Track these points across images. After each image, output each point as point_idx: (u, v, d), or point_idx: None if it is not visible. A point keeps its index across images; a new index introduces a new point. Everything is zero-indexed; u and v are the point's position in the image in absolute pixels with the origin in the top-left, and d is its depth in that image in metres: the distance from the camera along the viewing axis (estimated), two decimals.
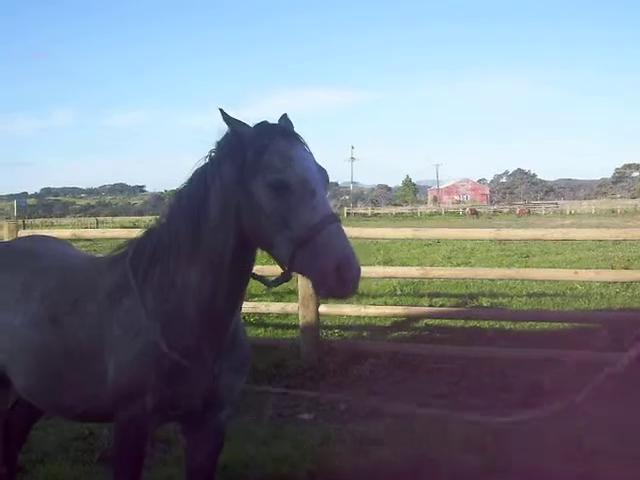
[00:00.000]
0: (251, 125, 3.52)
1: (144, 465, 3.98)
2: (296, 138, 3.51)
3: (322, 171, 3.48)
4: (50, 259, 4.57)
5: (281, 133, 3.48)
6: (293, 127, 3.63)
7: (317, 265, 3.19)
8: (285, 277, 3.50)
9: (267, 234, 3.38)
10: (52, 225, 68.57)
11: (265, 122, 3.55)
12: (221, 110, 3.50)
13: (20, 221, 44.09)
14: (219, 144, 3.62)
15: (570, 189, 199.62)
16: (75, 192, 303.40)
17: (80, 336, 3.96)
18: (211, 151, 3.65)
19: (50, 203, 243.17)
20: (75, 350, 3.98)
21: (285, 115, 3.72)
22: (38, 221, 79.82)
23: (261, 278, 3.85)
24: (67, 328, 4.04)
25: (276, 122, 3.63)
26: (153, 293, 3.75)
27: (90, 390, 3.97)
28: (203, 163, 3.68)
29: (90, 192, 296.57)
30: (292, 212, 3.27)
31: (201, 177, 3.66)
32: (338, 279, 3.13)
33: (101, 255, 4.47)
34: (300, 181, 3.29)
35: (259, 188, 3.35)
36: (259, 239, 3.47)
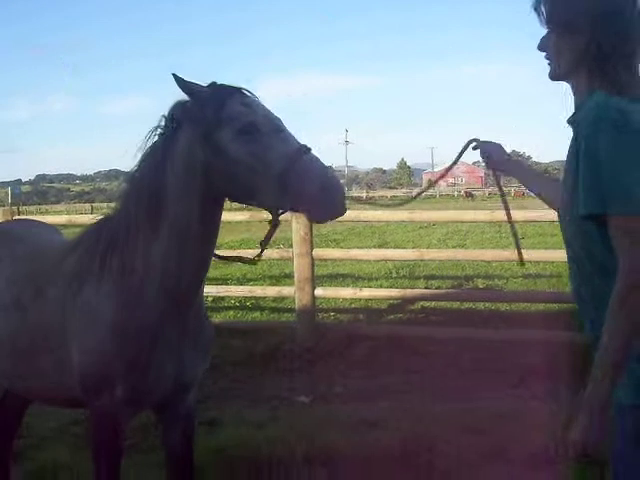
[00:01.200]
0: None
1: (123, 454, 3.96)
2: (247, 90, 3.53)
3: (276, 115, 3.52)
4: (26, 243, 4.55)
5: (233, 88, 3.50)
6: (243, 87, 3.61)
7: (304, 191, 3.21)
8: (271, 231, 3.57)
9: (246, 182, 3.37)
10: (47, 212, 68.59)
11: (214, 82, 3.54)
12: (174, 75, 3.45)
13: (15, 208, 43.95)
14: (168, 115, 3.57)
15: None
16: (70, 179, 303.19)
17: (43, 322, 3.94)
18: (157, 126, 3.60)
19: (45, 190, 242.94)
20: (38, 336, 3.96)
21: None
22: (33, 208, 79.85)
23: (240, 258, 3.88)
24: (30, 313, 4.02)
25: None
26: (113, 279, 3.70)
27: (55, 377, 3.95)
28: (151, 140, 3.63)
29: (84, 178, 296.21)
30: (266, 149, 3.29)
31: (153, 152, 3.61)
32: (327, 199, 3.19)
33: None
34: (267, 120, 3.36)
35: (228, 138, 3.35)
36: (238, 192, 3.46)
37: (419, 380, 8.03)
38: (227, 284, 13.09)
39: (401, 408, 6.81)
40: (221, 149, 3.37)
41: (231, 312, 11.91)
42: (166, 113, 3.58)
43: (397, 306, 11.85)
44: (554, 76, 2.83)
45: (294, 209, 3.40)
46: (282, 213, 3.48)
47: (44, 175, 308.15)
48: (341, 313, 11.89)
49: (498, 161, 3.59)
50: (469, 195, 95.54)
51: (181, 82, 3.45)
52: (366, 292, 10.57)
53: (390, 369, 8.58)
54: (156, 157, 3.58)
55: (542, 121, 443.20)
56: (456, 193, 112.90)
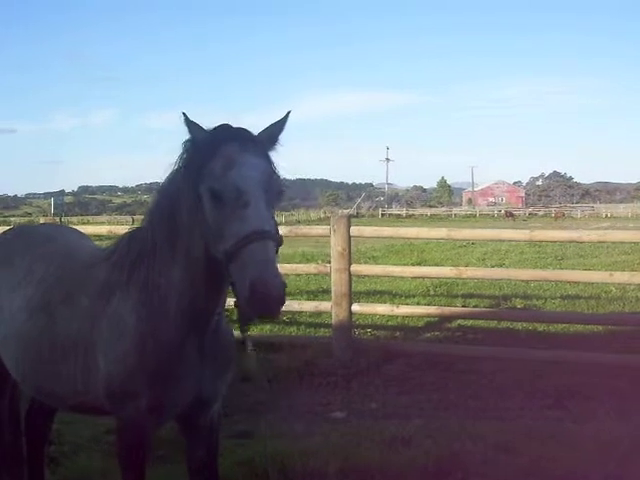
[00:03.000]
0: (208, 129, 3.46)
1: (148, 462, 4.01)
2: (251, 141, 3.41)
3: (272, 180, 3.37)
4: (58, 246, 4.61)
5: (234, 137, 3.38)
6: (248, 132, 3.48)
7: (236, 283, 3.14)
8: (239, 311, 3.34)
9: (211, 244, 3.33)
10: (88, 222, 69.10)
11: (222, 126, 3.47)
12: (184, 114, 3.43)
13: (57, 218, 44.41)
14: (180, 151, 3.54)
15: (606, 192, 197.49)
16: (112, 190, 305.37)
17: (70, 328, 3.99)
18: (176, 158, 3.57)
19: (87, 201, 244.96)
20: (65, 341, 4.01)
21: (288, 113, 3.63)
22: (75, 219, 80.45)
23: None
24: (58, 318, 4.07)
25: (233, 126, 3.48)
26: (138, 293, 3.75)
27: (81, 383, 3.99)
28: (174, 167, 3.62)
29: (126, 191, 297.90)
30: (225, 223, 3.21)
31: (171, 181, 3.62)
32: (251, 300, 3.05)
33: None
34: (234, 190, 3.21)
35: (204, 195, 3.31)
36: (210, 248, 3.38)
37: (454, 398, 8.00)
38: None
39: (436, 425, 6.78)
40: (200, 202, 3.34)
41: (268, 326, 11.93)
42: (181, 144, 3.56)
43: (434, 324, 11.82)
44: None
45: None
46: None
47: (86, 187, 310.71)
48: (377, 330, 11.86)
49: None
50: (509, 215, 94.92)
51: (187, 122, 3.44)
52: (403, 309, 10.58)
53: (425, 386, 8.56)
54: (174, 184, 3.59)
55: (583, 141, 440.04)
56: (496, 213, 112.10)
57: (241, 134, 3.42)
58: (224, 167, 3.25)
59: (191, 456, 4.15)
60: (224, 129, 3.44)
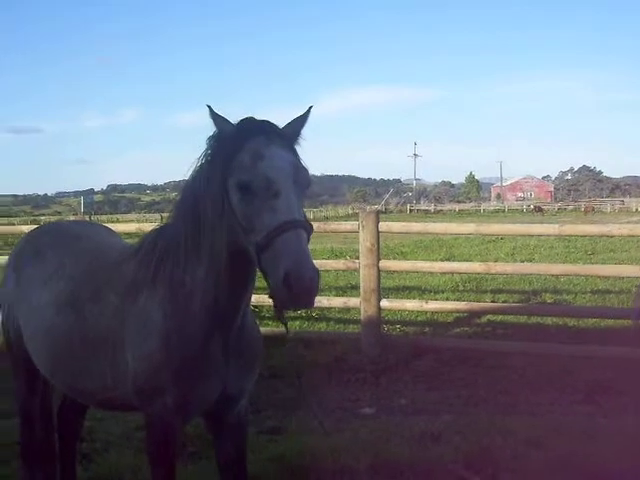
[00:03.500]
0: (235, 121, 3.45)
1: (177, 457, 4.05)
2: (277, 135, 3.41)
3: (300, 171, 3.37)
4: (88, 242, 4.65)
5: (260, 130, 3.39)
6: (273, 125, 3.48)
7: (271, 273, 3.12)
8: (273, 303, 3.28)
9: (241, 238, 3.32)
10: (117, 221, 69.52)
11: (248, 119, 3.47)
12: (209, 107, 3.44)
13: (87, 217, 44.74)
14: (206, 146, 3.55)
15: (637, 186, 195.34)
16: (140, 189, 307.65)
17: (99, 324, 4.02)
18: (201, 153, 3.58)
19: (116, 199, 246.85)
20: (94, 337, 4.04)
21: (310, 108, 3.63)
22: (104, 217, 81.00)
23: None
24: (87, 314, 4.11)
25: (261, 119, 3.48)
26: (164, 290, 3.76)
27: (109, 379, 4.02)
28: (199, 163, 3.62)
29: (155, 189, 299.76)
30: (255, 214, 3.20)
31: (196, 178, 3.62)
32: (287, 290, 3.04)
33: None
34: (264, 181, 3.21)
35: (232, 188, 3.31)
36: (240, 243, 3.36)
37: (484, 393, 7.98)
38: None
39: (465, 421, 6.77)
40: (229, 195, 3.34)
41: (297, 322, 11.95)
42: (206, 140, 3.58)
43: (463, 319, 11.79)
44: None
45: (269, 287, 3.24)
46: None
47: (115, 185, 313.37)
48: (407, 325, 11.85)
49: None
50: (538, 210, 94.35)
51: (213, 116, 3.45)
52: (432, 305, 10.53)
53: (455, 382, 8.55)
54: (198, 181, 3.59)
55: (613, 135, 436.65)
56: (525, 208, 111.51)
57: (267, 127, 3.43)
58: (253, 159, 3.26)
59: (220, 452, 4.17)
60: (250, 122, 3.45)
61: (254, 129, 3.40)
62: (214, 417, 4.10)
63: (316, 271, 3.09)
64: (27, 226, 14.44)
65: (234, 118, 3.49)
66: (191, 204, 3.62)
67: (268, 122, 3.47)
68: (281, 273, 3.03)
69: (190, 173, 3.67)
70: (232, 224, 3.36)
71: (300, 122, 3.60)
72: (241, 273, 3.54)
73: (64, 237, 4.76)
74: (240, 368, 3.90)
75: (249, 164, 3.25)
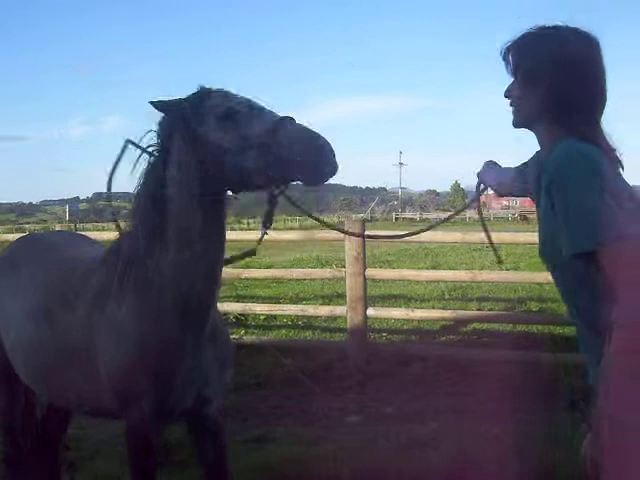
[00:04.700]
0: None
1: (157, 464, 4.01)
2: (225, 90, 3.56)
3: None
4: (64, 252, 4.64)
5: (212, 89, 3.55)
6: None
7: (290, 156, 3.20)
8: (270, 209, 3.53)
9: (236, 167, 3.37)
10: (103, 229, 69.30)
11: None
12: (152, 102, 3.54)
13: (72, 225, 44.63)
14: (157, 132, 3.66)
15: None
16: (126, 197, 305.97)
17: (71, 334, 4.01)
18: (149, 146, 3.68)
19: (102, 208, 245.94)
20: (67, 347, 4.04)
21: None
22: (90, 225, 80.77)
23: (245, 254, 3.93)
24: (59, 325, 4.10)
25: None
26: (132, 295, 3.76)
27: (89, 388, 4.03)
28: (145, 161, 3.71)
29: None
30: (247, 126, 3.31)
31: (151, 170, 3.67)
32: (315, 159, 3.18)
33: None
34: (244, 103, 3.41)
35: (210, 128, 3.41)
36: (232, 179, 3.46)
37: (470, 401, 7.99)
38: (279, 303, 13.16)
39: (452, 429, 6.78)
40: (207, 140, 3.42)
41: (283, 331, 11.95)
42: (155, 132, 3.68)
43: (449, 327, 11.81)
44: (516, 124, 2.88)
45: (289, 179, 3.38)
46: (280, 192, 3.47)
47: (101, 193, 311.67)
48: (393, 334, 11.86)
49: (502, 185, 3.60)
50: (524, 218, 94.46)
51: (161, 104, 3.56)
52: (418, 313, 10.54)
53: (441, 390, 8.55)
54: (155, 171, 3.65)
55: None
56: (510, 216, 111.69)
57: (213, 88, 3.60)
58: (223, 97, 3.46)
59: (203, 458, 4.17)
60: (200, 87, 3.60)
61: (205, 88, 3.57)
62: (191, 419, 4.10)
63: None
64: (12, 235, 14.42)
65: None
66: (151, 198, 3.65)
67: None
68: (301, 145, 3.18)
69: (140, 173, 3.73)
70: (216, 171, 3.43)
71: None
72: (214, 252, 3.65)
73: (40, 248, 4.77)
74: (214, 369, 3.92)
75: (223, 100, 3.43)
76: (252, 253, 3.97)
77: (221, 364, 3.98)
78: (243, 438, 6.77)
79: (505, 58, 2.85)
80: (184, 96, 3.57)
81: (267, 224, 3.61)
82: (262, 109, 3.39)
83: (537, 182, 2.76)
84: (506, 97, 2.89)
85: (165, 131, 3.61)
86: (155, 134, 3.66)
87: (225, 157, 3.38)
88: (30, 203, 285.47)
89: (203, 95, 3.51)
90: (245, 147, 3.31)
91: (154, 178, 3.64)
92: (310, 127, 3.27)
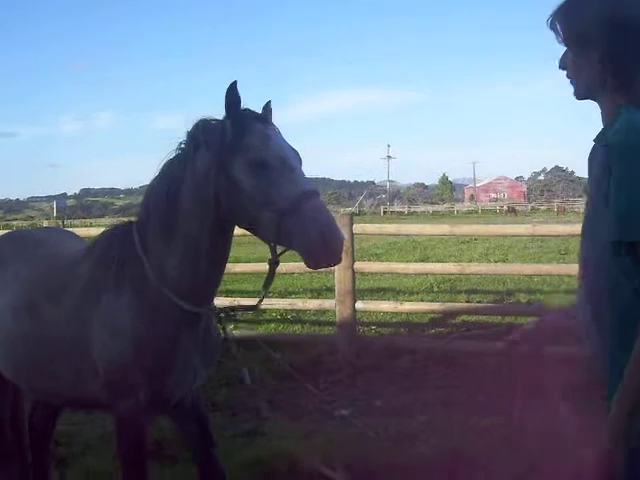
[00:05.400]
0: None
1: (148, 455, 4.05)
2: (270, 122, 3.63)
3: (296, 152, 3.59)
4: (48, 249, 4.64)
5: (256, 118, 3.58)
6: (270, 115, 3.70)
7: (302, 234, 3.27)
8: (271, 271, 3.66)
9: (251, 213, 3.44)
10: (91, 225, 69.12)
11: (243, 108, 3.61)
12: (232, 84, 3.54)
13: (59, 221, 44.47)
14: (191, 133, 3.68)
15: None
16: (114, 193, 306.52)
17: (58, 327, 4.01)
18: (181, 142, 3.71)
19: (89, 204, 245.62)
20: (53, 340, 4.04)
21: (269, 102, 3.74)
22: (77, 221, 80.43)
23: (240, 307, 4.09)
24: (43, 318, 4.10)
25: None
26: (130, 289, 3.79)
27: (72, 380, 4.04)
28: (173, 155, 3.74)
29: (129, 192, 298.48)
30: (274, 187, 3.36)
31: (171, 169, 3.72)
32: (324, 246, 3.24)
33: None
34: (279, 159, 3.42)
35: (239, 168, 3.43)
36: (243, 219, 3.54)
37: (459, 394, 8.00)
38: (268, 297, 13.13)
39: (441, 422, 6.79)
40: (232, 177, 3.46)
41: (272, 325, 11.95)
42: (190, 129, 3.70)
43: (438, 320, 11.82)
44: (578, 96, 2.64)
45: (291, 247, 3.45)
46: (282, 252, 3.54)
47: (88, 189, 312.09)
48: (382, 327, 11.88)
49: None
50: (512, 210, 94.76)
51: (232, 94, 3.54)
52: (407, 306, 10.56)
53: (430, 383, 8.56)
54: (174, 174, 3.69)
55: (583, 136, 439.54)
56: (498, 208, 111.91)
57: (259, 114, 3.65)
58: (262, 140, 3.46)
59: (188, 438, 4.27)
60: (245, 111, 3.61)
61: (250, 115, 3.59)
62: (175, 410, 4.16)
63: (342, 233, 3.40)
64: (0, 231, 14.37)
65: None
66: (165, 192, 3.69)
67: (257, 112, 3.67)
68: (316, 232, 3.24)
69: (167, 161, 3.77)
70: (231, 204, 3.50)
71: (270, 113, 3.75)
72: (219, 260, 3.76)
73: (23, 246, 4.75)
74: (204, 361, 3.98)
75: (259, 144, 3.44)
76: (253, 308, 4.19)
77: (208, 357, 4.04)
78: (233, 433, 6.77)
79: (553, 27, 2.61)
80: (227, 116, 3.58)
81: (268, 285, 3.76)
82: (294, 169, 3.43)
83: (601, 168, 2.42)
84: (562, 69, 2.64)
85: (198, 138, 3.63)
86: (189, 134, 3.70)
87: (243, 200, 3.46)
88: (17, 200, 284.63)
89: (247, 125, 3.52)
90: (264, 204, 3.38)
91: (172, 182, 3.69)
92: (327, 211, 3.38)
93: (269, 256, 3.57)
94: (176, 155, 3.72)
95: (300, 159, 3.59)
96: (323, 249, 3.26)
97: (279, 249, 3.52)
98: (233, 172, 3.45)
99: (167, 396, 3.87)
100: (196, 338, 3.85)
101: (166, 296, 3.72)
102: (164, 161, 3.77)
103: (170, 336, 3.75)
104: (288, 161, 3.44)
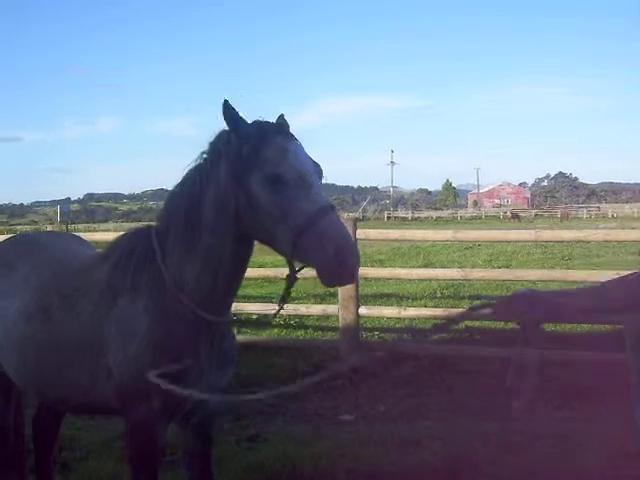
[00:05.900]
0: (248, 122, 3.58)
1: (160, 463, 4.04)
2: (290, 134, 3.58)
3: (317, 165, 3.54)
4: (56, 253, 4.63)
5: (276, 130, 3.54)
6: (288, 126, 3.68)
7: (318, 251, 3.24)
8: (288, 284, 3.63)
9: (267, 228, 3.42)
10: (95, 230, 69.18)
11: (260, 120, 3.59)
12: (225, 102, 3.52)
13: (63, 226, 44.45)
14: (212, 144, 3.65)
15: (613, 192, 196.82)
16: (117, 198, 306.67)
17: (72, 331, 3.99)
18: (203, 152, 3.68)
19: (93, 209, 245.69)
20: (66, 344, 4.01)
21: (282, 115, 3.74)
22: (81, 226, 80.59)
23: (257, 323, 4.00)
24: (58, 323, 4.07)
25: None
26: (148, 294, 3.78)
27: (87, 385, 4.00)
28: (195, 164, 3.71)
29: (132, 198, 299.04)
30: (290, 203, 3.32)
31: (194, 178, 3.68)
32: (338, 264, 3.20)
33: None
34: (296, 174, 3.36)
35: (256, 183, 3.40)
36: (259, 234, 3.51)
37: (463, 399, 8.00)
38: (272, 302, 13.14)
39: (444, 427, 6.79)
40: (249, 191, 3.44)
41: (276, 330, 11.95)
42: (212, 139, 3.67)
43: (441, 326, 11.79)
44: None
45: (306, 263, 3.43)
46: (300, 269, 3.53)
47: (92, 194, 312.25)
48: (385, 332, 11.87)
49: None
50: (515, 216, 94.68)
51: (229, 112, 3.53)
52: (410, 311, 10.55)
53: (434, 388, 8.57)
54: (196, 185, 3.66)
55: (588, 142, 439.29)
56: (502, 214, 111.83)
57: (280, 126, 3.63)
58: (280, 154, 3.40)
59: (187, 441, 4.26)
60: (263, 122, 3.59)
61: (269, 128, 3.56)
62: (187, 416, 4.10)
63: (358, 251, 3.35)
64: (3, 236, 14.35)
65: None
66: (187, 203, 3.68)
67: (278, 123, 3.67)
68: (332, 249, 3.20)
69: (188, 171, 3.74)
70: (248, 218, 3.48)
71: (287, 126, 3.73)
72: (238, 271, 3.74)
73: (31, 249, 4.72)
74: (222, 368, 3.94)
75: (277, 159, 3.39)
76: (267, 325, 4.10)
77: (226, 364, 4.01)
78: (236, 437, 6.78)
79: None
80: (248, 124, 3.56)
81: (284, 301, 3.74)
82: (311, 185, 3.37)
83: None
84: None
85: (218, 155, 3.61)
86: (211, 145, 3.67)
87: (260, 215, 3.43)
88: (21, 204, 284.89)
89: (264, 138, 3.47)
90: (280, 219, 3.36)
91: (196, 189, 3.67)
92: (343, 227, 3.32)
93: (285, 267, 3.56)
94: (198, 165, 3.70)
95: (320, 171, 3.56)
96: (337, 267, 3.22)
97: (297, 265, 3.51)
98: (250, 186, 3.43)
99: (181, 403, 3.82)
100: (211, 346, 3.82)
101: (183, 303, 3.71)
102: (186, 169, 3.75)
103: (186, 343, 3.74)
104: (306, 178, 3.38)
